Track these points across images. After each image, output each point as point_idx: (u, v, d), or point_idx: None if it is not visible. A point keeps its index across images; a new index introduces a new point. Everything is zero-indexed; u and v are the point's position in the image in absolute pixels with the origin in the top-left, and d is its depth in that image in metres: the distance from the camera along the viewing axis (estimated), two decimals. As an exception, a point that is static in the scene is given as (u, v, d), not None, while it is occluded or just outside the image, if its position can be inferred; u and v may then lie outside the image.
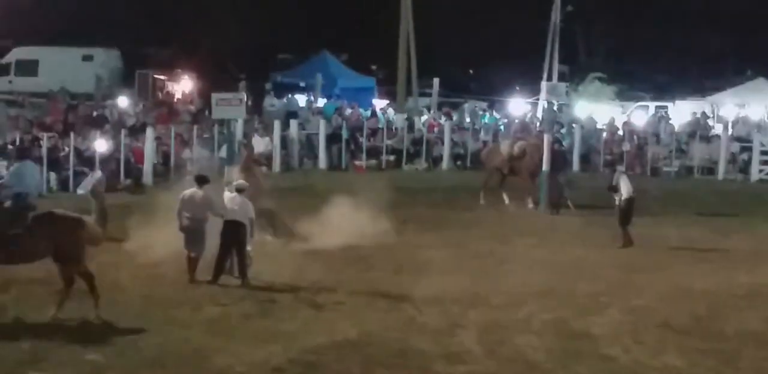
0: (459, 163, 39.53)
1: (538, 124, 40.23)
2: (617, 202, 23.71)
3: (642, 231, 23.92)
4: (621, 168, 26.04)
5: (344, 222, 23.37)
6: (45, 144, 30.45)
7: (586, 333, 16.05)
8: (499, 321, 16.63)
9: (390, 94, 50.23)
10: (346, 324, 16.21)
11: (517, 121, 42.60)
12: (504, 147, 30.79)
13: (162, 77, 51.67)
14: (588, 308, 17.61)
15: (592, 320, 16.85)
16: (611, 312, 17.41)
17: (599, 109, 46.61)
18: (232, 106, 20.76)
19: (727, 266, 21.55)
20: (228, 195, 19.38)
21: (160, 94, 49.84)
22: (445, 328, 16.11)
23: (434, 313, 17.00)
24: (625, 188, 23.60)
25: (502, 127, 41.97)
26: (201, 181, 19.55)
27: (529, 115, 44.00)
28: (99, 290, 17.71)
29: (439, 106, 47.12)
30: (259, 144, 33.98)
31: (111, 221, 24.49)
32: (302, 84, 49.56)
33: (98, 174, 24.02)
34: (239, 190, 19.35)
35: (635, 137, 40.42)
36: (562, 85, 32.51)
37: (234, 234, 18.96)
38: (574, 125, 40.82)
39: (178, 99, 47.20)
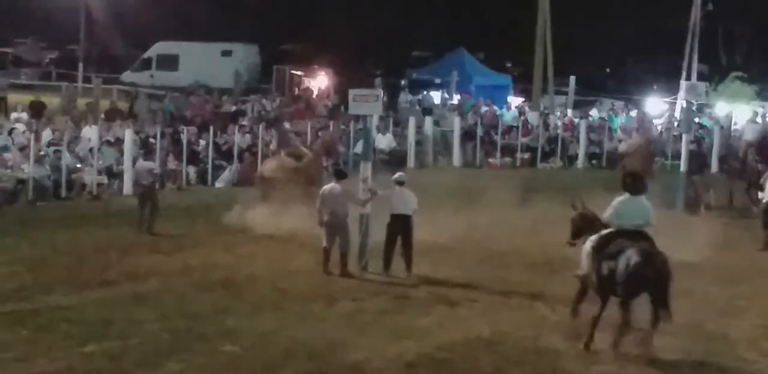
0: (594, 161, 39.18)
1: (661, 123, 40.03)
2: (762, 203, 23.30)
3: (782, 234, 23.44)
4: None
5: (477, 219, 23.40)
6: (184, 137, 30.96)
7: (723, 336, 15.81)
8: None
9: (526, 92, 50.07)
10: (479, 321, 16.22)
11: (634, 117, 42.28)
12: (621, 146, 30.83)
13: (299, 73, 52.22)
14: (725, 311, 17.36)
15: (730, 323, 16.59)
16: (749, 316, 17.12)
17: (738, 110, 45.78)
18: (368, 102, 20.84)
19: None
20: (395, 189, 19.29)
21: (297, 90, 50.34)
22: (578, 328, 15.99)
23: (568, 312, 16.84)
24: (770, 189, 23.18)
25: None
26: (339, 175, 19.68)
27: (666, 115, 43.53)
28: (235, 282, 18.08)
29: (576, 105, 46.78)
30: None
31: (248, 213, 25.00)
32: (437, 81, 49.57)
33: (146, 164, 24.18)
34: (400, 183, 19.31)
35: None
36: (702, 85, 31.93)
37: (402, 227, 19.07)
38: (713, 126, 40.18)
39: (315, 95, 47.63)
